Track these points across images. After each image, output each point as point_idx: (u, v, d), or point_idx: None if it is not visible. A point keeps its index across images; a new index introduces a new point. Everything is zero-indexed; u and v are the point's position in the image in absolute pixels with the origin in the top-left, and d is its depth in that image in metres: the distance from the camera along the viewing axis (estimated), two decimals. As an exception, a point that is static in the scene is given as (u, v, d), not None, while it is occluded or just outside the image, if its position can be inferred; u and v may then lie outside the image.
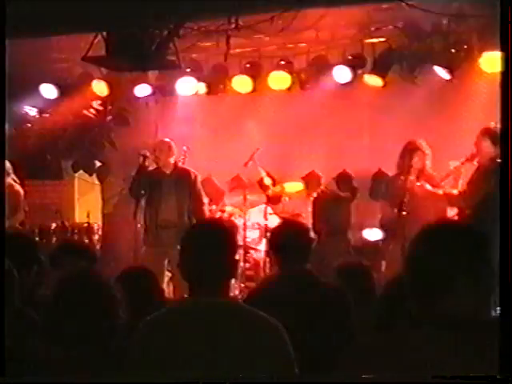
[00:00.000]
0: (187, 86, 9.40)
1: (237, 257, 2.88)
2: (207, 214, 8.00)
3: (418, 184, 7.13)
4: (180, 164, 7.94)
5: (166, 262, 7.45)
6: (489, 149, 6.71)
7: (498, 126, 6.60)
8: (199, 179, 7.91)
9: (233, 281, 2.98)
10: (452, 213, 7.10)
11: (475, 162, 6.94)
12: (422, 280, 2.13)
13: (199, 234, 2.90)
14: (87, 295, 2.94)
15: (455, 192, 6.98)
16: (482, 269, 2.08)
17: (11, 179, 8.10)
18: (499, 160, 6.58)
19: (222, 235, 2.88)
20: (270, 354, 2.66)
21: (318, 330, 3.65)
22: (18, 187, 8.52)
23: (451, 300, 2.07)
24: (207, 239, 2.83)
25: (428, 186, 7.17)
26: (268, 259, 7.41)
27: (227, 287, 2.85)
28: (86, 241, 8.38)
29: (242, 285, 8.18)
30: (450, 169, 7.18)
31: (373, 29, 8.42)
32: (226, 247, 2.84)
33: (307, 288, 3.83)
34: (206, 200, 8.07)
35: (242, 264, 8.38)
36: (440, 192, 7.13)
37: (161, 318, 2.82)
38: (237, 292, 8.02)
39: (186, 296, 2.94)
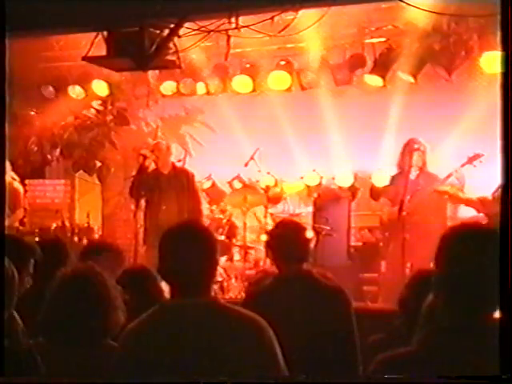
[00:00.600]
0: (187, 86, 9.39)
1: (217, 257, 2.87)
2: (205, 213, 7.99)
3: (419, 183, 7.10)
4: (179, 164, 7.94)
5: None
6: None
7: None
8: (196, 179, 7.91)
9: (215, 281, 2.94)
10: (481, 218, 6.99)
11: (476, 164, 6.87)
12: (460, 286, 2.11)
13: (178, 236, 2.86)
14: (87, 294, 2.94)
15: (489, 197, 6.87)
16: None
17: (10, 176, 8.10)
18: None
19: (201, 236, 2.85)
20: (254, 352, 2.65)
21: (318, 330, 3.64)
22: (16, 185, 8.53)
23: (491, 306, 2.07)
24: (186, 240, 2.80)
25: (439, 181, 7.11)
26: (268, 259, 7.41)
27: (209, 287, 2.82)
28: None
29: (242, 285, 8.18)
30: (450, 170, 7.13)
31: (373, 29, 8.41)
32: (204, 248, 2.81)
33: (305, 288, 3.82)
34: (203, 199, 8.06)
35: (242, 264, 8.39)
36: (446, 189, 7.08)
37: (148, 317, 2.81)
38: (236, 292, 8.03)
39: (168, 298, 2.93)
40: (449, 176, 7.12)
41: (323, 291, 3.84)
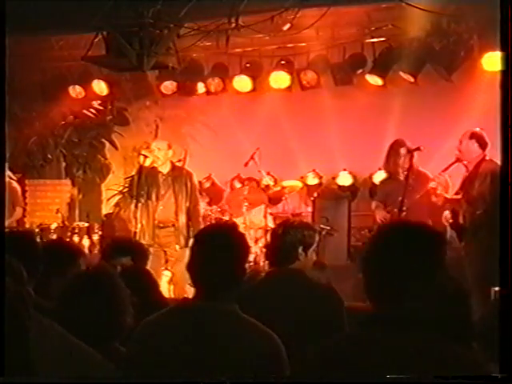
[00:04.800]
0: (187, 86, 9.40)
1: (246, 265, 2.85)
2: (202, 213, 7.98)
3: (409, 184, 7.03)
4: (179, 164, 7.93)
5: (163, 261, 7.44)
6: (476, 152, 6.67)
7: (479, 129, 6.64)
8: (195, 179, 7.91)
9: (239, 288, 2.90)
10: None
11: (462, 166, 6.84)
12: (379, 281, 2.13)
13: (212, 238, 2.85)
14: (98, 295, 2.88)
15: (459, 197, 6.80)
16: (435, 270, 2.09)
17: (7, 176, 8.10)
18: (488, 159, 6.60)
19: (235, 241, 2.84)
20: (265, 361, 2.64)
21: (307, 328, 3.63)
22: (14, 184, 8.53)
23: (406, 301, 2.08)
24: (219, 244, 2.79)
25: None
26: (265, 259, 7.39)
27: (231, 294, 2.79)
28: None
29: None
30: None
31: (373, 28, 8.42)
32: (236, 254, 2.80)
33: (298, 288, 3.82)
34: (203, 199, 8.05)
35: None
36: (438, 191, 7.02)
37: (160, 319, 2.80)
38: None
39: (187, 297, 2.91)
40: (433, 179, 7.03)
41: (313, 289, 3.84)
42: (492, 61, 7.49)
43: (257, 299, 3.55)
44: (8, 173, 8.23)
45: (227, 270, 2.75)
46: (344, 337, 2.20)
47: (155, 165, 7.69)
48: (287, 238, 3.94)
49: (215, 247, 2.78)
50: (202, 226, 6.80)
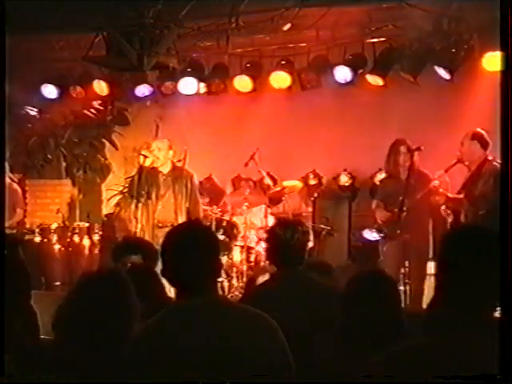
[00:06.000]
0: (188, 86, 9.40)
1: (220, 255, 2.90)
2: (202, 214, 7.98)
3: (411, 183, 7.03)
4: (180, 164, 7.93)
5: None
6: (478, 153, 6.70)
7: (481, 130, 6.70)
8: (196, 179, 7.92)
9: (220, 280, 2.97)
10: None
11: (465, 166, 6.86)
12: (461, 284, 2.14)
13: (180, 238, 2.87)
14: (112, 299, 2.88)
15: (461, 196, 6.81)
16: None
17: (8, 177, 8.11)
18: (491, 159, 6.62)
19: (203, 235, 2.87)
20: (267, 351, 2.66)
21: (313, 331, 3.63)
22: (15, 186, 8.55)
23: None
24: (188, 241, 2.80)
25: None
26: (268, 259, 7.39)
27: (214, 286, 2.87)
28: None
29: (243, 285, 8.17)
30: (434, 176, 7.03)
31: (373, 28, 8.41)
32: (211, 247, 2.83)
33: (302, 288, 3.82)
34: (201, 200, 8.06)
35: (242, 264, 8.37)
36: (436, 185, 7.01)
37: (159, 319, 2.80)
38: (237, 293, 8.02)
39: (176, 297, 2.92)
40: (433, 180, 7.03)
41: (319, 291, 3.84)
42: (492, 61, 7.49)
43: (269, 301, 3.55)
44: (9, 174, 8.24)
45: (206, 264, 2.78)
46: (415, 342, 2.20)
47: (155, 165, 7.70)
48: (297, 240, 3.94)
49: (190, 245, 2.79)
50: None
